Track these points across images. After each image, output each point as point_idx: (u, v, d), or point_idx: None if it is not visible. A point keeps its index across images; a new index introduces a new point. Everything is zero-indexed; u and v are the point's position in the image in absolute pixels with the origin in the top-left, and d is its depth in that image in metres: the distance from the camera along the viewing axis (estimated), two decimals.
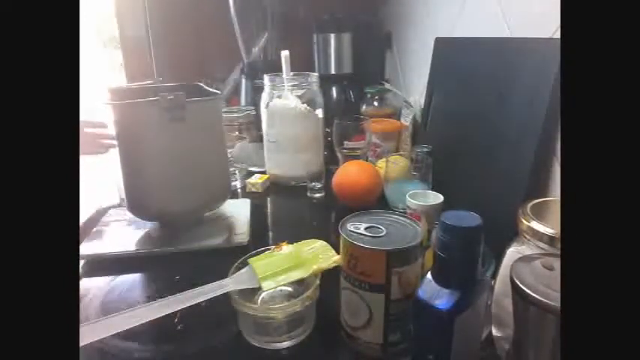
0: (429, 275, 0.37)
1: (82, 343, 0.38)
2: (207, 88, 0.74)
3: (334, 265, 0.47)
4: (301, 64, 1.00)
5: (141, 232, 0.70)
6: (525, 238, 0.42)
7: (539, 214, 0.42)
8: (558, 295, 0.31)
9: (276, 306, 0.45)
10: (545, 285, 0.32)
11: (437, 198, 0.66)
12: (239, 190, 0.92)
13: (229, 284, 0.46)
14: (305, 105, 0.89)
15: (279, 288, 0.49)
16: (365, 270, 0.41)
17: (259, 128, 1.01)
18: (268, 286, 0.46)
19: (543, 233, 0.40)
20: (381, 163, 0.82)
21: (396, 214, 0.47)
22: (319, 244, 0.52)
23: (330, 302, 0.47)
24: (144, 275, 0.61)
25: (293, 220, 0.83)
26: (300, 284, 0.49)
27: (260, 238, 0.70)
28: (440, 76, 0.91)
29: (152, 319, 0.43)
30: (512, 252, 0.43)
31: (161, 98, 0.59)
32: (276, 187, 0.94)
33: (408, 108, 1.04)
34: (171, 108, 0.60)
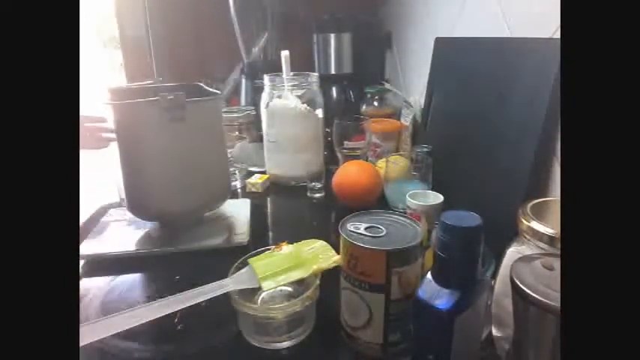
0: (429, 275, 0.37)
1: (82, 343, 0.38)
2: (207, 88, 0.74)
3: (334, 265, 0.47)
4: (301, 64, 1.00)
5: (141, 232, 0.70)
6: (525, 238, 0.42)
7: (539, 214, 0.42)
8: (558, 295, 0.31)
9: (276, 306, 0.45)
10: (545, 285, 0.32)
11: (437, 198, 0.66)
12: (239, 190, 0.92)
13: (229, 284, 0.46)
14: (305, 105, 0.89)
15: (279, 288, 0.49)
16: (365, 270, 0.41)
17: (259, 128, 1.01)
18: (268, 286, 0.46)
19: (543, 233, 0.40)
20: (381, 163, 0.82)
21: (396, 214, 0.47)
22: (319, 244, 0.52)
23: (330, 302, 0.47)
24: (144, 275, 0.61)
25: (293, 220, 0.83)
26: (300, 284, 0.49)
27: (260, 238, 0.70)
28: (440, 76, 0.91)
29: (152, 319, 0.43)
30: (512, 252, 0.43)
31: (161, 98, 0.59)
32: (276, 187, 0.94)
33: (408, 108, 1.04)
34: (171, 108, 0.60)
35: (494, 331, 0.44)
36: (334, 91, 1.23)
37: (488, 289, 0.42)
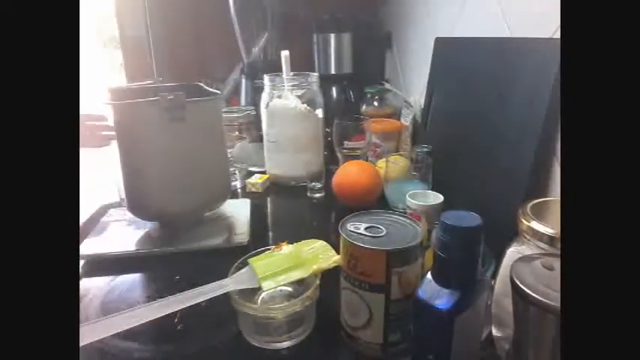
0: (429, 275, 0.37)
1: (82, 343, 0.38)
2: (207, 88, 0.74)
3: (334, 265, 0.47)
4: (301, 64, 1.00)
5: (141, 232, 0.70)
6: (525, 238, 0.42)
7: (539, 214, 0.42)
8: (558, 295, 0.31)
9: (276, 306, 0.45)
10: (545, 285, 0.32)
11: (437, 198, 0.66)
12: (239, 190, 0.92)
13: (229, 284, 0.46)
14: (305, 105, 0.89)
15: (279, 288, 0.49)
16: (365, 270, 0.41)
17: (259, 128, 1.01)
18: (268, 286, 0.46)
19: (543, 233, 0.40)
20: (381, 163, 0.82)
21: (396, 214, 0.47)
22: (319, 244, 0.52)
23: (330, 302, 0.47)
24: (144, 275, 0.61)
25: (293, 220, 0.82)
26: (300, 284, 0.49)
27: (260, 238, 0.70)
28: (440, 76, 0.91)
29: (152, 319, 0.43)
30: (512, 252, 0.43)
31: (161, 98, 0.59)
32: (276, 187, 0.94)
33: (408, 108, 1.04)
34: (171, 108, 0.60)
35: (494, 331, 0.44)
36: (334, 91, 1.23)
37: (488, 289, 0.42)
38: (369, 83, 1.18)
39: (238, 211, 0.77)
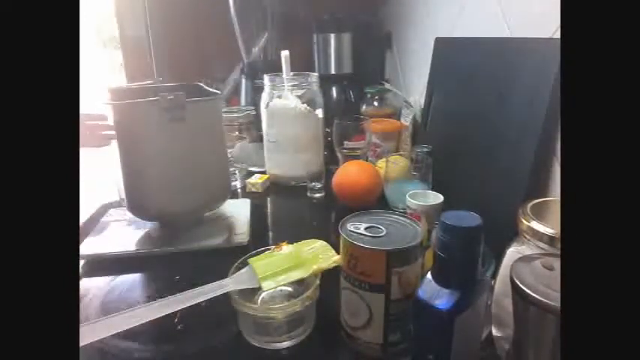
0: (429, 275, 0.37)
1: (82, 343, 0.38)
2: (207, 88, 0.74)
3: (334, 265, 0.47)
4: (301, 64, 1.00)
5: (141, 232, 0.70)
6: (525, 238, 0.42)
7: (539, 214, 0.42)
8: (558, 295, 0.31)
9: (276, 306, 0.45)
10: (545, 285, 0.32)
11: (437, 198, 0.66)
12: (239, 190, 0.92)
13: (229, 284, 0.46)
14: (305, 105, 0.89)
15: (279, 288, 0.49)
16: (365, 270, 0.41)
17: (259, 128, 1.01)
18: (268, 286, 0.46)
19: (543, 233, 0.40)
20: (381, 163, 0.82)
21: (396, 214, 0.47)
22: (319, 244, 0.52)
23: (330, 302, 0.47)
24: (144, 275, 0.61)
25: (293, 220, 0.82)
26: (300, 284, 0.49)
27: (260, 238, 0.70)
28: (440, 76, 0.91)
29: (152, 319, 0.43)
30: (512, 252, 0.43)
31: (161, 98, 0.59)
32: (276, 187, 0.94)
33: (408, 108, 1.04)
34: (171, 108, 0.60)
35: (494, 331, 0.44)
36: (334, 91, 1.23)
37: (488, 289, 0.42)
38: (369, 83, 1.18)
39: (238, 211, 0.77)
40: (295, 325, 0.46)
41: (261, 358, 0.45)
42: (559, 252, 0.37)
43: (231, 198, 0.78)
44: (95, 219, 0.75)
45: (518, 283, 0.33)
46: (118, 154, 0.63)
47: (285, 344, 0.46)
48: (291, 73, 0.89)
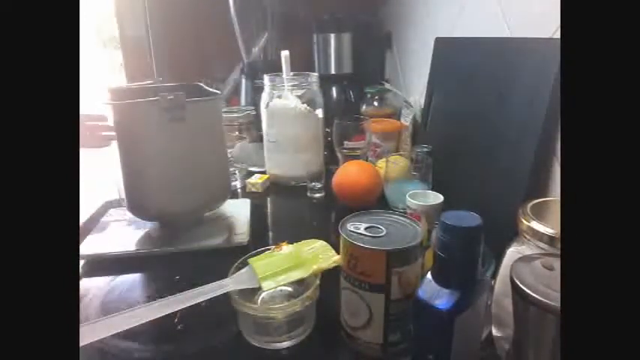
0: (429, 275, 0.37)
1: (82, 343, 0.38)
2: (207, 88, 0.74)
3: (334, 265, 0.47)
4: (301, 64, 1.00)
5: (141, 232, 0.70)
6: (525, 238, 0.42)
7: (539, 214, 0.42)
8: (558, 295, 0.31)
9: (276, 306, 0.45)
10: (545, 285, 0.32)
11: (437, 198, 0.66)
12: (239, 190, 0.92)
13: (229, 284, 0.46)
14: (305, 105, 0.89)
15: (279, 288, 0.49)
16: (365, 270, 0.41)
17: (259, 128, 1.01)
18: (268, 286, 0.46)
19: (543, 233, 0.40)
20: (381, 163, 0.82)
21: (396, 214, 0.47)
22: (319, 244, 0.52)
23: (330, 302, 0.47)
24: (144, 275, 0.61)
25: (293, 220, 0.83)
26: (300, 284, 0.49)
27: (260, 238, 0.70)
28: (440, 76, 0.91)
29: (152, 319, 0.43)
30: (512, 252, 0.43)
31: (161, 98, 0.59)
32: (276, 187, 0.94)
33: (408, 108, 1.04)
34: (171, 108, 0.60)
35: (494, 331, 0.44)
36: (334, 91, 1.23)
37: (488, 289, 0.42)
38: (369, 83, 1.18)
39: (238, 211, 0.77)
40: (295, 325, 0.46)
41: (261, 358, 0.45)
42: (559, 252, 0.37)
43: (231, 198, 0.78)
44: (95, 219, 0.75)
45: (518, 283, 0.33)
46: (118, 154, 0.63)
47: (285, 344, 0.46)
48: (291, 73, 0.89)
